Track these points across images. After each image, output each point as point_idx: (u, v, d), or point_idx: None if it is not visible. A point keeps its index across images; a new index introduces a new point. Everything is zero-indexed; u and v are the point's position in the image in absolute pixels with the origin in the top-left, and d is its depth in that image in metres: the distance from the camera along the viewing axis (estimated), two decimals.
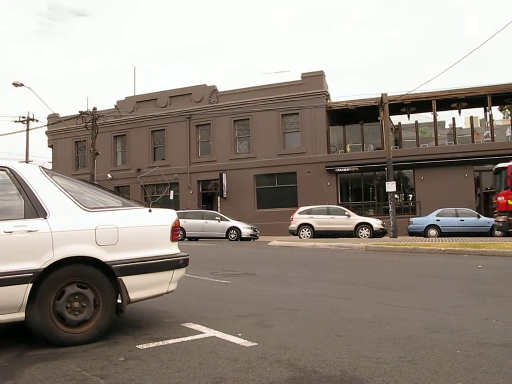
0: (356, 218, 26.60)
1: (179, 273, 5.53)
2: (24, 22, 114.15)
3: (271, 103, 34.86)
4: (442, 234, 26.04)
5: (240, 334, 5.11)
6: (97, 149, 33.57)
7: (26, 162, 39.14)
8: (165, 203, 32.78)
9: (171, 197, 35.54)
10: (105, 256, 4.95)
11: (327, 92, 35.31)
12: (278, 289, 8.57)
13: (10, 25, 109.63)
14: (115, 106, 40.38)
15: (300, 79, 35.30)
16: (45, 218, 4.82)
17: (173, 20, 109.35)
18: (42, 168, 5.33)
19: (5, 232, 4.60)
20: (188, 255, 5.63)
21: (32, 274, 4.62)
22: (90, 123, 33.12)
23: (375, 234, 25.65)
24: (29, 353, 4.62)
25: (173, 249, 5.50)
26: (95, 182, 30.10)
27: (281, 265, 13.45)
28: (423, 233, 26.58)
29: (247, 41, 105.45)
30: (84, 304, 4.90)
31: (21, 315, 4.67)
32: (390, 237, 24.48)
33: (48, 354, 4.57)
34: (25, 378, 3.95)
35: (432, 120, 34.05)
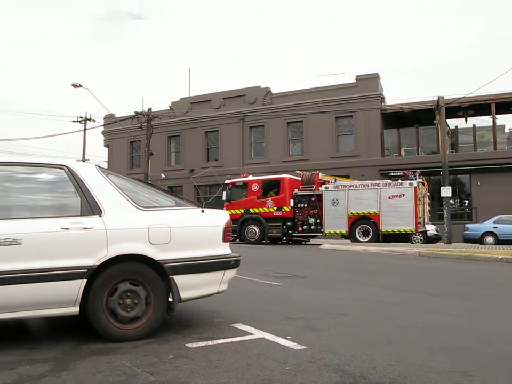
0: None
1: (230, 273, 5.56)
2: (84, 25, 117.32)
3: (324, 105, 34.66)
4: (499, 242, 25.23)
5: (289, 337, 5.10)
6: (151, 149, 34.14)
7: (83, 161, 40.23)
8: (217, 204, 33.06)
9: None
10: (157, 254, 5.03)
11: (382, 95, 34.83)
12: (327, 293, 8.51)
13: (70, 29, 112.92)
14: (170, 107, 40.99)
15: (354, 81, 34.97)
16: (100, 216, 4.94)
17: (226, 23, 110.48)
18: (99, 167, 5.47)
19: (62, 228, 4.75)
20: (239, 256, 5.65)
21: (86, 270, 4.75)
22: (145, 123, 33.71)
23: (429, 240, 25.13)
24: (82, 347, 4.75)
25: (224, 249, 5.53)
26: (149, 182, 30.65)
27: (332, 269, 13.35)
28: (479, 240, 25.84)
29: (302, 44, 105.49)
30: (136, 302, 4.99)
31: (75, 309, 4.81)
32: (444, 243, 23.92)
33: (100, 348, 4.69)
34: (79, 371, 4.07)
35: (491, 124, 33.14)
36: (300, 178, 24.85)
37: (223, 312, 6.37)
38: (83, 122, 41.49)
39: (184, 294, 5.17)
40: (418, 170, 23.79)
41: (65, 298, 4.74)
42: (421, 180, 22.72)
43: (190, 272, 5.20)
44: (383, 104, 34.70)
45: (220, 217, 5.63)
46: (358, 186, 23.31)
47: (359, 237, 22.68)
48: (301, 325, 5.78)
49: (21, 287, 4.56)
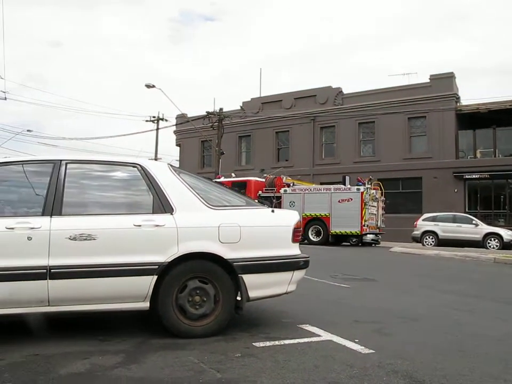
0: (484, 228, 25.23)
1: (299, 274, 5.54)
2: (157, 27, 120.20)
3: (397, 105, 33.95)
4: None
5: (357, 340, 5.02)
6: (222, 148, 34.56)
7: (155, 160, 41.17)
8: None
9: None
10: (227, 253, 5.07)
11: (457, 95, 33.77)
12: (398, 297, 8.35)
13: (144, 31, 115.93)
14: (241, 107, 41.35)
15: (428, 81, 34.09)
16: (172, 214, 5.04)
17: (298, 23, 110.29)
18: (171, 166, 5.58)
19: (134, 225, 4.87)
20: (308, 257, 5.62)
21: (157, 266, 4.85)
22: (217, 123, 34.15)
23: (505, 245, 24.17)
24: (152, 341, 4.86)
25: (293, 250, 5.51)
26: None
27: (403, 273, 13.09)
28: None
29: (373, 43, 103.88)
30: (205, 299, 5.06)
31: (145, 304, 4.93)
32: None
33: (169, 343, 4.78)
34: (148, 364, 4.16)
35: None
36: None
37: (291, 313, 6.35)
38: (156, 121, 42.45)
39: (252, 293, 5.19)
40: (370, 176, 25.83)
41: (136, 293, 4.86)
42: (369, 186, 24.10)
43: (259, 271, 5.21)
44: (458, 104, 33.66)
45: (289, 218, 5.61)
46: (312, 190, 25.35)
47: (312, 237, 24.20)
48: (369, 328, 5.69)
49: (95, 281, 4.72)
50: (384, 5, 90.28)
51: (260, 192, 25.71)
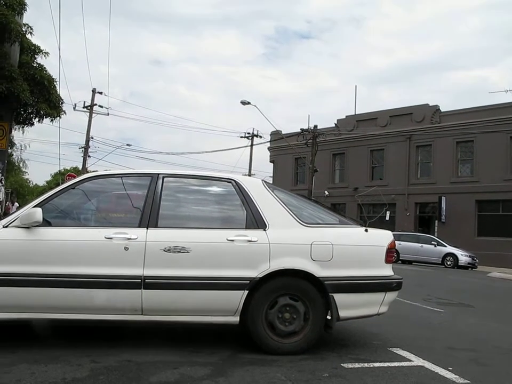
0: None
1: (391, 296, 5.39)
2: (253, 45, 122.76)
3: (498, 124, 32.42)
4: None
5: (451, 368, 4.80)
6: (316, 165, 34.50)
7: (249, 175, 41.66)
8: (380, 223, 32.42)
9: (387, 218, 34.98)
10: (319, 271, 5.02)
11: None
12: (497, 325, 7.91)
13: (242, 49, 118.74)
14: (335, 124, 41.14)
15: None
16: (264, 230, 5.06)
17: (396, 39, 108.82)
18: (265, 182, 5.63)
19: (228, 240, 4.93)
20: (401, 278, 5.46)
21: (249, 282, 4.87)
22: (311, 140, 34.17)
23: None
24: (239, 355, 4.88)
25: (386, 270, 5.38)
26: (313, 198, 30.90)
27: (502, 299, 12.45)
28: None
29: (471, 60, 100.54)
30: (295, 316, 5.02)
31: (235, 319, 4.96)
32: None
33: (257, 359, 4.77)
34: (235, 378, 4.18)
35: None
36: None
37: (382, 335, 6.18)
38: (250, 138, 43.05)
39: (343, 313, 5.10)
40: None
41: (226, 307, 4.91)
42: None
43: (350, 291, 5.12)
44: None
45: (383, 238, 5.49)
46: None
47: None
48: (465, 357, 5.43)
49: (187, 293, 4.82)
50: (486, 17, 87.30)
51: None
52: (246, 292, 4.88)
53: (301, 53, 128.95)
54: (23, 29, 12.99)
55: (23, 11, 12.82)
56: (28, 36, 13.65)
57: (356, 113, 41.38)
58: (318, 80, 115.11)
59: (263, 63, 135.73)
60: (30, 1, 13.63)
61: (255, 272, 4.90)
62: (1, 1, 11.90)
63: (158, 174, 5.30)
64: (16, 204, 25.72)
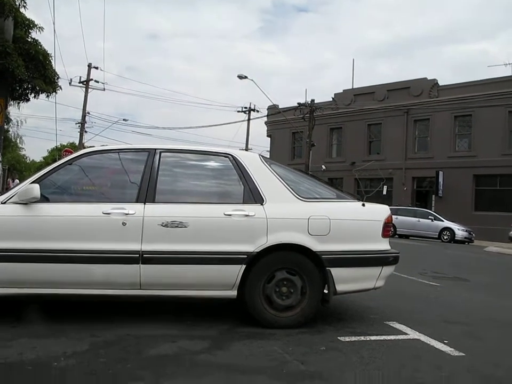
0: None
1: (388, 270, 5.42)
2: (249, 19, 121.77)
3: (496, 98, 32.25)
4: None
5: (446, 341, 4.86)
6: (313, 140, 34.42)
7: (246, 150, 41.58)
8: (378, 198, 32.49)
9: (384, 192, 34.98)
10: (316, 245, 5.05)
11: None
12: (492, 299, 7.98)
13: (237, 23, 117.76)
14: (332, 98, 40.94)
15: None
16: (262, 204, 5.07)
17: (394, 11, 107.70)
18: (262, 156, 5.62)
19: (225, 214, 4.95)
20: (398, 253, 5.49)
21: (246, 256, 4.90)
22: (308, 115, 34.04)
23: None
24: (237, 329, 4.92)
25: (383, 245, 5.41)
26: (310, 173, 30.89)
27: (498, 274, 12.55)
28: None
29: (469, 33, 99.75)
30: (292, 290, 5.06)
31: (233, 293, 5.00)
32: None
33: (254, 333, 4.82)
34: (233, 351, 4.24)
35: None
36: None
37: (378, 309, 6.23)
38: (247, 112, 42.89)
39: (339, 287, 5.14)
40: None
41: (224, 281, 4.94)
42: None
43: (347, 265, 5.15)
44: None
45: (380, 212, 5.51)
46: None
47: None
48: (460, 330, 5.49)
49: (185, 268, 4.85)
50: None
51: None
52: (244, 266, 4.90)
53: (298, 27, 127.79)
54: (17, 3, 12.80)
55: None
56: (22, 9, 13.47)
57: (354, 87, 41.16)
58: (315, 54, 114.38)
59: (260, 37, 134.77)
60: None
61: (253, 247, 4.92)
62: None
63: (155, 149, 5.29)
64: (17, 181, 25.73)
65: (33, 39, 14.31)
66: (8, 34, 12.67)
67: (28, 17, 14.19)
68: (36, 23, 14.23)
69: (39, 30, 14.24)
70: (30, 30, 14.20)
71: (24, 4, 13.41)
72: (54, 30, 17.63)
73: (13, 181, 25.92)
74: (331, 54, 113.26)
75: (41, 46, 14.18)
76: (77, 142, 40.36)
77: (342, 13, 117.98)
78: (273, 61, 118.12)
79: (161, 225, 4.82)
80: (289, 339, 4.66)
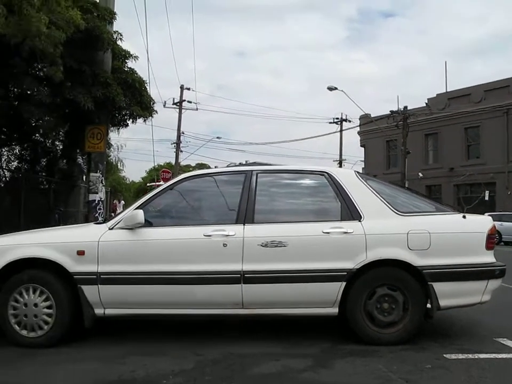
0: None
1: (494, 283, 5.20)
2: (336, 29, 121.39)
3: None
4: None
5: None
6: (408, 147, 33.62)
7: (340, 161, 41.33)
8: (479, 204, 31.22)
9: (486, 198, 33.55)
10: (416, 260, 4.96)
11: None
12: None
13: (324, 33, 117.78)
14: (426, 104, 39.78)
15: None
16: (359, 221, 5.06)
17: (487, 7, 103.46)
18: (358, 172, 5.63)
19: (323, 232, 4.98)
20: (504, 265, 5.25)
21: (346, 273, 4.90)
22: (401, 122, 33.32)
23: None
24: (339, 347, 4.92)
25: (487, 257, 5.20)
26: (406, 181, 30.22)
27: None
28: None
29: None
30: (393, 306, 4.99)
31: (334, 310, 5.00)
32: None
33: (357, 350, 4.79)
34: (336, 370, 4.26)
35: None
36: None
37: (486, 324, 5.96)
38: (339, 123, 42.58)
39: (443, 302, 5.01)
40: None
41: (325, 299, 4.96)
42: None
43: (450, 279, 5.01)
44: None
45: (483, 223, 5.32)
46: None
47: None
48: None
49: (286, 286, 4.91)
50: None
51: None
52: (344, 283, 4.91)
53: (386, 32, 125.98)
54: (114, 36, 13.56)
55: (113, 20, 13.42)
56: (118, 41, 14.23)
57: (447, 90, 39.85)
58: (405, 59, 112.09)
59: (348, 46, 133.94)
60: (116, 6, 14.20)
61: (352, 264, 4.91)
62: (94, 13, 12.49)
63: (252, 170, 5.43)
64: (122, 202, 27.09)
65: (130, 68, 15.06)
66: (107, 66, 13.45)
67: (123, 48, 14.97)
68: (131, 53, 14.97)
69: (134, 59, 14.99)
70: (126, 60, 14.97)
71: (121, 37, 14.17)
72: (148, 59, 18.44)
73: (119, 202, 27.26)
74: (422, 58, 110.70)
75: (137, 74, 14.89)
76: (173, 162, 41.63)
77: (430, 13, 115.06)
78: (362, 69, 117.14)
79: (261, 245, 4.92)
80: (392, 356, 4.60)
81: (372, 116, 38.29)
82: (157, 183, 36.19)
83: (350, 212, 5.11)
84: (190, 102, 38.72)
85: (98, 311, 4.97)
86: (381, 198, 5.23)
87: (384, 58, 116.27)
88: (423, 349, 4.86)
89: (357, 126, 42.82)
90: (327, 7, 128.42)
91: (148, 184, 41.26)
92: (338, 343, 5.04)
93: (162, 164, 55.79)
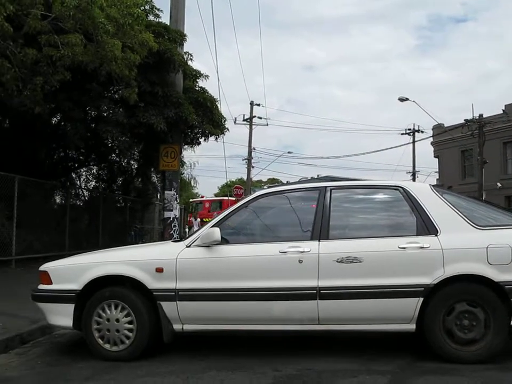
0: None
1: None
2: (404, 38, 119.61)
3: None
4: None
5: None
6: (485, 157, 32.55)
7: (413, 173, 40.47)
8: None
9: None
10: (497, 276, 4.78)
11: None
12: None
13: (392, 43, 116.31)
14: (503, 110, 38.34)
15: None
16: (436, 235, 4.96)
17: None
18: (433, 186, 5.53)
19: (399, 247, 4.92)
20: None
21: (423, 289, 4.81)
22: (477, 131, 32.32)
23: None
24: (417, 364, 4.82)
25: None
26: (483, 192, 29.23)
27: None
28: None
29: None
30: (474, 323, 4.82)
31: (411, 326, 4.91)
32: None
33: (435, 368, 4.68)
34: None
35: None
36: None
37: None
38: (411, 134, 41.77)
39: None
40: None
41: (402, 315, 4.88)
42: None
43: None
44: None
45: None
46: None
47: None
48: None
49: (362, 302, 4.88)
50: None
51: None
52: (421, 299, 4.81)
53: (458, 39, 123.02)
54: (185, 57, 14.00)
55: (183, 42, 13.86)
56: (189, 62, 14.68)
57: None
58: (479, 65, 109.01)
59: (418, 54, 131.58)
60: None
61: (429, 279, 4.81)
62: (165, 36, 12.95)
63: (326, 186, 5.44)
64: (198, 219, 27.69)
65: (200, 87, 15.49)
66: (179, 87, 13.89)
67: (194, 68, 15.40)
68: (201, 72, 15.42)
69: (204, 79, 15.39)
70: (197, 80, 15.39)
71: (191, 57, 14.65)
72: (218, 79, 18.78)
73: (195, 220, 27.88)
74: (497, 63, 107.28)
75: (207, 93, 15.28)
76: (245, 177, 42.06)
77: (505, 17, 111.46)
78: (433, 78, 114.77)
79: (337, 261, 4.91)
80: (475, 375, 4.44)
81: (445, 125, 37.36)
82: (201, 199, 40.04)
83: (426, 227, 5.02)
84: (260, 117, 39.06)
85: (177, 326, 5.10)
86: (458, 212, 5.11)
87: (456, 66, 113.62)
88: (508, 369, 4.67)
89: (430, 136, 41.87)
90: (393, 16, 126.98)
91: (190, 200, 43.42)
92: (415, 360, 4.94)
93: (234, 180, 56.48)
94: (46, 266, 5.50)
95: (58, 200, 16.99)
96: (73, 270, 5.34)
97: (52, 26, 9.23)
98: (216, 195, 58.14)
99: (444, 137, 39.67)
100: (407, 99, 32.64)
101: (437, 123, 36.91)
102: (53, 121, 15.23)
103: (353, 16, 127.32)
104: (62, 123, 15.00)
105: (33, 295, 5.50)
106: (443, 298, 4.85)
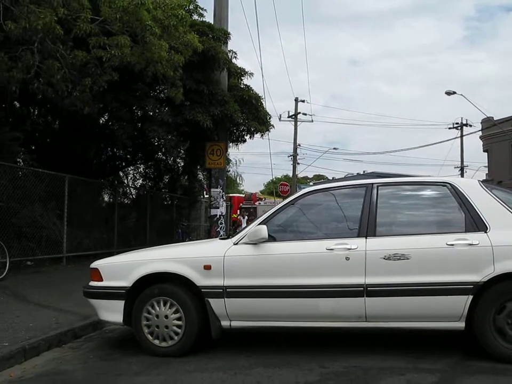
0: None
1: None
2: (451, 30, 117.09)
3: None
4: None
5: None
6: None
7: (461, 168, 39.63)
8: None
9: None
10: None
11: None
12: None
13: (439, 36, 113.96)
14: None
15: None
16: (485, 232, 4.86)
17: None
18: (481, 182, 5.42)
19: (447, 244, 4.84)
20: None
21: (472, 286, 4.72)
22: None
23: None
24: (466, 363, 4.74)
25: None
26: None
27: None
28: None
29: None
30: None
31: (460, 324, 4.83)
32: None
33: (485, 367, 4.58)
34: None
35: None
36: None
37: None
38: (459, 128, 40.92)
39: None
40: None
41: (450, 313, 4.81)
42: None
43: None
44: None
45: None
46: (273, 202, 29.35)
47: None
48: None
49: (409, 300, 4.83)
50: None
51: (241, 204, 34.26)
52: (471, 296, 4.73)
53: (508, 28, 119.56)
54: (229, 56, 14.11)
55: (227, 40, 13.97)
56: (233, 60, 14.78)
57: None
58: None
59: (466, 46, 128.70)
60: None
61: (479, 276, 4.72)
62: (209, 35, 13.09)
63: (372, 183, 5.40)
64: (246, 217, 27.85)
65: (245, 85, 15.59)
66: (224, 85, 14.03)
67: (238, 65, 15.50)
68: (246, 70, 15.52)
69: (249, 76, 15.47)
70: (241, 78, 15.50)
71: (235, 55, 14.73)
72: (262, 75, 19.02)
73: (243, 218, 28.06)
74: None
75: (252, 90, 15.34)
76: (290, 174, 41.99)
77: None
78: (482, 69, 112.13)
79: (384, 258, 4.88)
80: None
81: (495, 118, 36.45)
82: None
83: (475, 223, 4.93)
84: (305, 114, 38.82)
85: (225, 323, 5.17)
86: (508, 208, 5.00)
87: (506, 56, 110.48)
88: None
89: (479, 130, 40.91)
90: (438, 8, 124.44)
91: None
92: (465, 358, 4.86)
93: (279, 177, 56.43)
94: (96, 264, 5.65)
95: (106, 199, 17.32)
96: (123, 268, 5.47)
97: (99, 28, 9.45)
98: (261, 192, 58.41)
99: (493, 131, 38.69)
100: (454, 92, 31.92)
101: (486, 116, 36.02)
102: (101, 121, 15.60)
103: (398, 9, 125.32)
104: (110, 123, 15.35)
105: (85, 291, 5.66)
106: (493, 296, 4.75)
